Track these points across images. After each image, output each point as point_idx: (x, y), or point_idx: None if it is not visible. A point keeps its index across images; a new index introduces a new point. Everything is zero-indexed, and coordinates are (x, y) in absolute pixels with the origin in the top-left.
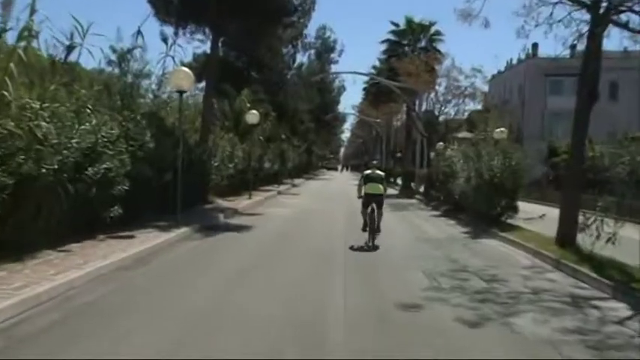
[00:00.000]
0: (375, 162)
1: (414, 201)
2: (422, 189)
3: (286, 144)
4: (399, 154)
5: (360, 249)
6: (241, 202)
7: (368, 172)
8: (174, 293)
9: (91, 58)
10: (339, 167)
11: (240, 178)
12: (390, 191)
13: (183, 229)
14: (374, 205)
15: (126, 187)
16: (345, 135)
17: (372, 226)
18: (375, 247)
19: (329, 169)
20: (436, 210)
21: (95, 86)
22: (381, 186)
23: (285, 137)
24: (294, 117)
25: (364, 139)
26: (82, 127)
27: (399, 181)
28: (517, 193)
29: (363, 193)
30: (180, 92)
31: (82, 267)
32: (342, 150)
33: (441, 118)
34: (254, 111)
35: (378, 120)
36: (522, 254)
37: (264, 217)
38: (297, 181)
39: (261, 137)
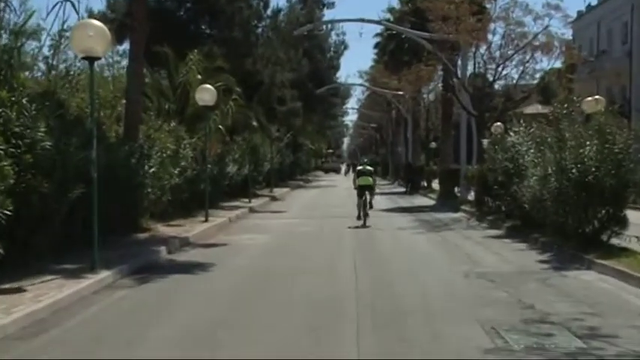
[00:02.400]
0: (365, 160)
1: (459, 215)
2: (471, 196)
3: (260, 135)
4: (433, 144)
5: (377, 288)
6: (194, 228)
7: (359, 168)
8: None
9: None
10: (342, 168)
11: (191, 191)
12: (423, 201)
13: (103, 274)
14: (367, 194)
15: (7, 212)
16: (350, 118)
17: (364, 212)
18: (380, 248)
19: (327, 170)
20: (495, 227)
21: None
22: (370, 178)
23: (257, 125)
24: (270, 93)
25: (378, 122)
26: None
27: (436, 184)
28: (624, 197)
29: (357, 185)
30: (90, 60)
31: None
32: (346, 142)
33: (497, 86)
34: (208, 86)
35: (400, 92)
36: (638, 293)
37: (229, 250)
38: (278, 191)
39: (221, 126)
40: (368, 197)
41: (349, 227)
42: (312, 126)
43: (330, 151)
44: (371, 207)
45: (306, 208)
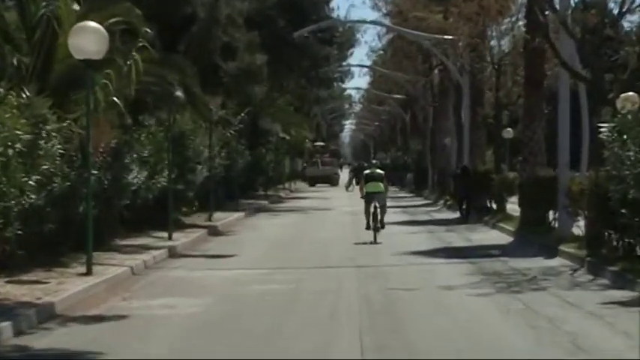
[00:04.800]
0: (374, 161)
1: (556, 262)
2: (579, 227)
3: (191, 116)
4: (508, 133)
5: None
6: (65, 286)
7: (368, 171)
8: None
9: None
10: (343, 174)
11: (62, 218)
12: (490, 236)
13: None
14: (376, 203)
15: None
16: (357, 83)
17: (374, 224)
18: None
19: (315, 180)
20: (623, 286)
21: None
22: (381, 184)
23: (185, 97)
24: (208, 38)
25: (408, 94)
26: None
27: (514, 205)
28: None
29: (364, 193)
30: None
31: None
32: (349, 129)
33: (627, 24)
34: (92, 24)
35: (449, 37)
36: None
37: (129, 328)
38: (223, 218)
39: (117, 99)
40: (378, 207)
41: (351, 277)
42: (286, 98)
43: (320, 144)
44: (382, 227)
45: (273, 249)
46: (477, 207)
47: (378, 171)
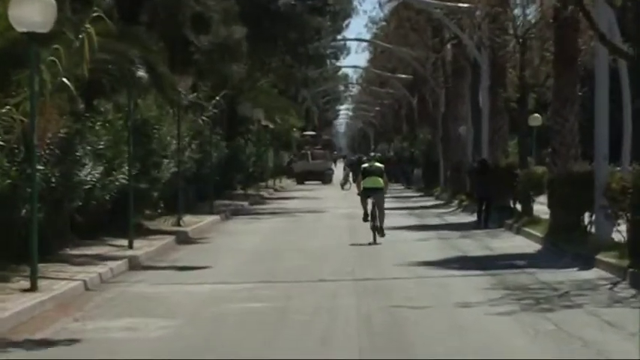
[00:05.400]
0: (372, 154)
1: (592, 274)
2: (619, 232)
3: (156, 100)
4: (535, 120)
5: None
6: (4, 305)
7: (366, 165)
8: None
9: None
10: (337, 169)
11: (1, 222)
12: (513, 243)
13: None
14: (373, 201)
15: None
16: (354, 60)
17: (374, 223)
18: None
19: (304, 176)
20: None
21: None
22: (380, 180)
23: (149, 77)
24: (176, 8)
25: (414, 73)
26: None
27: (542, 207)
28: None
29: (362, 189)
30: None
31: None
32: (344, 116)
33: None
34: None
35: (464, 5)
36: None
37: (83, 355)
38: (194, 222)
39: (67, 80)
40: (377, 207)
41: (349, 293)
42: (270, 79)
43: (310, 133)
44: (382, 234)
45: (254, 259)
46: (498, 208)
47: (377, 164)
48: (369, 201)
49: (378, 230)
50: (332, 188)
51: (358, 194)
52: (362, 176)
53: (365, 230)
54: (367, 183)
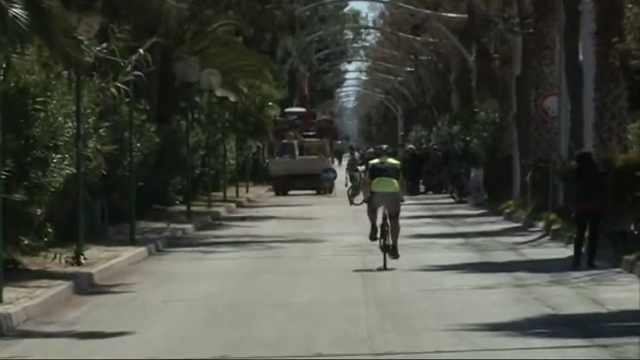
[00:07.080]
0: (384, 146)
1: None
2: None
3: (43, 51)
4: None
5: None
6: None
7: (375, 161)
8: None
9: None
10: (351, 171)
11: None
12: None
13: None
14: (385, 211)
15: None
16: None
17: (384, 240)
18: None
19: (286, 184)
20: None
21: None
22: (394, 181)
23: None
24: None
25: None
26: None
27: None
28: None
29: (369, 194)
30: None
31: None
32: (352, 94)
33: None
34: None
35: None
36: None
37: None
38: (105, 262)
39: None
40: (388, 218)
41: None
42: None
43: (297, 110)
44: (395, 255)
45: (207, 321)
46: (611, 235)
47: (391, 160)
48: (379, 210)
49: (390, 251)
50: (334, 201)
51: (364, 201)
52: (371, 176)
53: (390, 272)
54: (377, 186)
